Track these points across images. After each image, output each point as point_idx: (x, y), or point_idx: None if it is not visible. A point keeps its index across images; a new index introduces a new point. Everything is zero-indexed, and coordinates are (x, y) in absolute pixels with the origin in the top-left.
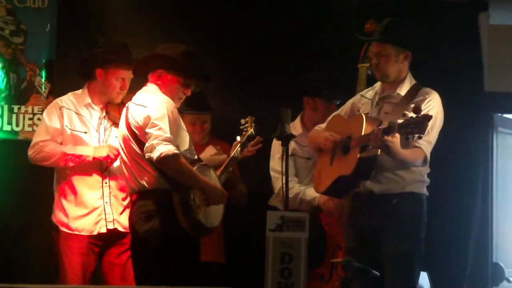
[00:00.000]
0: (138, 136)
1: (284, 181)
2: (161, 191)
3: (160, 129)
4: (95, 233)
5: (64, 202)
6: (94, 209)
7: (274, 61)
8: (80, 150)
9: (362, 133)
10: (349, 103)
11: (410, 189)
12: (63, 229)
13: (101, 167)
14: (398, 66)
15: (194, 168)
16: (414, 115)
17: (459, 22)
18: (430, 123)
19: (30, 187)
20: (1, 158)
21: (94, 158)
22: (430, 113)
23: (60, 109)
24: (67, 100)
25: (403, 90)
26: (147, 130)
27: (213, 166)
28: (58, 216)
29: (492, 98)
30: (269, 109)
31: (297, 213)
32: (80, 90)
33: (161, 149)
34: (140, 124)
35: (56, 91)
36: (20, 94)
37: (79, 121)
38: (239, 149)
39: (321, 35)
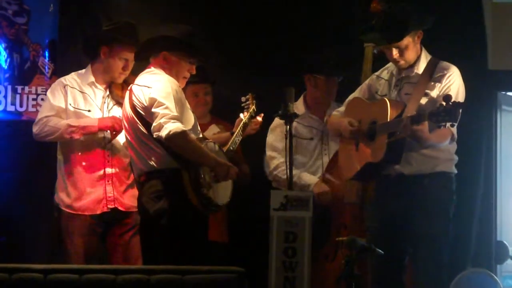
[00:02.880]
0: (144, 117)
1: (288, 161)
2: (170, 170)
3: (166, 107)
4: (97, 212)
5: (66, 182)
6: (96, 189)
7: (277, 39)
8: (84, 122)
9: (388, 119)
10: (365, 84)
11: (440, 168)
12: (65, 209)
13: (104, 145)
14: (415, 48)
15: (204, 144)
16: (443, 102)
17: (463, 0)
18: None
19: (34, 168)
20: (5, 139)
21: (99, 128)
22: (451, 88)
23: (64, 87)
24: (71, 79)
25: (420, 68)
26: (153, 109)
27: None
28: (60, 196)
29: (496, 76)
30: (272, 87)
31: (301, 192)
32: (84, 70)
33: (169, 127)
34: (146, 104)
35: (60, 71)
36: (24, 75)
37: (83, 99)
38: (242, 126)
39: (326, 11)
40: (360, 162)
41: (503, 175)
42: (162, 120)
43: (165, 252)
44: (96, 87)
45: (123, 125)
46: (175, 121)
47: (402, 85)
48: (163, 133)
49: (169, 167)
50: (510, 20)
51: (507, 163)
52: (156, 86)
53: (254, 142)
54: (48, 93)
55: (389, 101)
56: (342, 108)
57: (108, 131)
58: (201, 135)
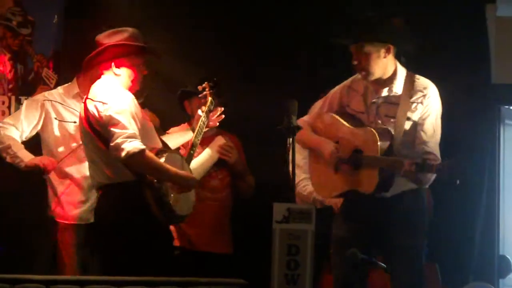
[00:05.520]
0: (101, 133)
1: (291, 173)
2: (132, 183)
3: (122, 126)
4: (91, 220)
5: (58, 192)
6: (89, 197)
7: (284, 52)
8: (20, 153)
9: (378, 153)
10: (336, 97)
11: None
12: (60, 220)
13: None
14: (381, 62)
15: (164, 157)
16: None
17: (466, 14)
18: (432, 122)
19: (35, 178)
20: None
21: (26, 166)
22: (432, 112)
23: (43, 101)
24: (55, 93)
25: (397, 86)
26: (109, 128)
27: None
28: (54, 208)
29: (499, 91)
30: (276, 99)
31: (304, 205)
32: (69, 83)
33: (127, 147)
34: (102, 121)
35: (63, 82)
36: (28, 85)
37: (68, 112)
38: (202, 123)
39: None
40: (342, 187)
41: (506, 189)
42: (119, 140)
43: (126, 264)
44: (81, 98)
45: (80, 137)
46: (132, 139)
47: (379, 104)
48: (121, 153)
49: (130, 180)
50: None
51: (509, 177)
52: (111, 102)
53: (259, 154)
54: (25, 102)
55: (378, 133)
56: (308, 118)
57: (41, 168)
58: (160, 145)
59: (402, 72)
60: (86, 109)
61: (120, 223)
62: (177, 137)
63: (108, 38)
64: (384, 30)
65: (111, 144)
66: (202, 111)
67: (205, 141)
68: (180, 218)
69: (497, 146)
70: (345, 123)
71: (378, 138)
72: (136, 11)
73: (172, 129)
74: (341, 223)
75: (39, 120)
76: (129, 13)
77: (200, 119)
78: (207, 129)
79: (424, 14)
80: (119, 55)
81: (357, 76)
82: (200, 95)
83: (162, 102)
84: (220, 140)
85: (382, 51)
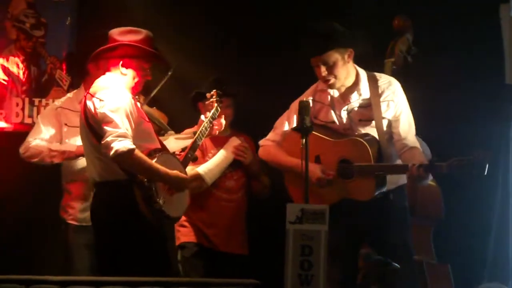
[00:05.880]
0: (95, 129)
1: (304, 174)
2: (123, 182)
3: (114, 124)
4: None
5: (71, 194)
6: None
7: (284, 52)
8: (64, 147)
9: (372, 160)
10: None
11: (401, 182)
12: (71, 222)
13: None
14: (345, 67)
15: (156, 157)
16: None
17: (480, 14)
18: (406, 117)
19: (49, 180)
20: None
21: (76, 154)
22: (404, 108)
23: (56, 109)
24: (64, 100)
25: (364, 89)
26: (102, 126)
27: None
28: (66, 209)
29: None
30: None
31: (317, 206)
32: (78, 89)
33: (116, 146)
34: (97, 118)
35: (77, 84)
36: (41, 87)
37: (77, 117)
38: (204, 128)
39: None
40: (334, 198)
41: None
42: (109, 139)
43: (119, 262)
44: None
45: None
46: (122, 139)
47: (350, 110)
48: (110, 152)
49: (122, 178)
50: None
51: None
52: (107, 99)
53: None
54: (39, 116)
55: (366, 142)
56: (274, 137)
57: None
58: (158, 146)
59: (363, 74)
60: (84, 104)
61: (111, 221)
62: (178, 141)
63: (121, 36)
64: (345, 36)
65: (102, 142)
66: (206, 117)
67: (220, 142)
68: (171, 219)
69: (511, 146)
70: (322, 136)
71: (369, 147)
72: (148, 12)
73: (186, 131)
74: (339, 237)
75: (57, 129)
76: (142, 14)
77: (202, 125)
78: (208, 136)
79: (437, 14)
80: (130, 55)
81: (317, 87)
82: (207, 102)
83: (169, 101)
84: (235, 141)
85: (346, 56)
